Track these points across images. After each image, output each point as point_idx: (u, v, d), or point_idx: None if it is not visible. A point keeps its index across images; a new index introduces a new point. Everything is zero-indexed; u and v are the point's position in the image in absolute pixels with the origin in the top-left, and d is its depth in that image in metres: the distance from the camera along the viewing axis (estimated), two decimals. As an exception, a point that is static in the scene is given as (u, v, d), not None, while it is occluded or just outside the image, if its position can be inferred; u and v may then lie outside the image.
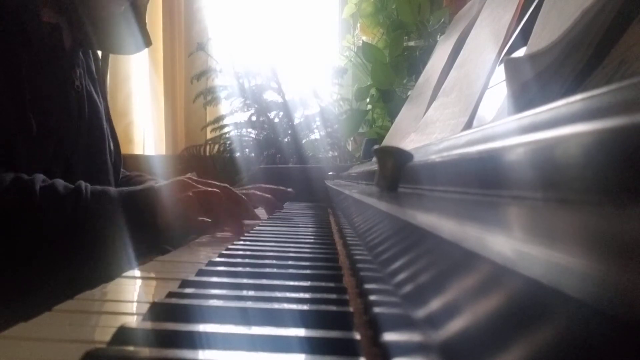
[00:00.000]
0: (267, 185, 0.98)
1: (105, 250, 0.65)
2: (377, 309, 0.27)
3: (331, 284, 0.37)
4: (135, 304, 0.37)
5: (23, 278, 0.62)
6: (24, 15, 0.71)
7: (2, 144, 0.67)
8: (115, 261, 0.65)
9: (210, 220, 0.70)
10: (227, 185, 0.77)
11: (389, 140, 0.88)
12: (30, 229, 0.62)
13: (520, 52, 0.42)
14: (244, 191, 0.88)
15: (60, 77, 0.77)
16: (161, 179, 0.96)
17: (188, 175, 0.82)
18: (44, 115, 0.72)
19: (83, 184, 0.67)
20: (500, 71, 0.44)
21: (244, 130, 1.98)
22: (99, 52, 0.92)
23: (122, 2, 0.80)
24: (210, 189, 0.72)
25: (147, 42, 0.88)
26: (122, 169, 0.97)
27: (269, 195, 0.96)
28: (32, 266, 0.63)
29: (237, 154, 1.94)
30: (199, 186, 0.72)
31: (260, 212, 0.94)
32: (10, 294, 0.60)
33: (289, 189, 1.05)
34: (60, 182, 0.66)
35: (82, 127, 0.80)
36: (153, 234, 0.68)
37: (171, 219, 0.68)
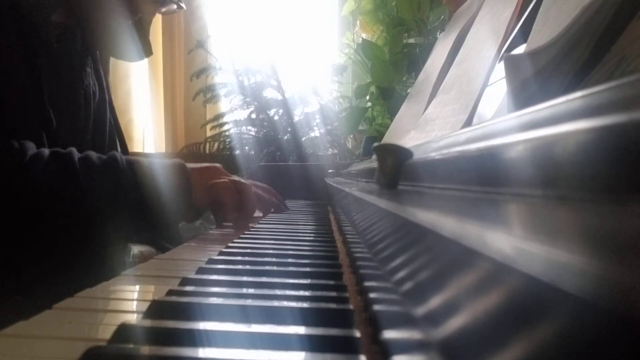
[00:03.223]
0: (269, 187, 0.98)
1: (143, 218, 0.67)
2: (377, 307, 0.27)
3: (331, 282, 0.37)
4: (135, 302, 0.37)
5: (28, 269, 0.63)
6: (37, 16, 0.74)
7: (29, 137, 0.69)
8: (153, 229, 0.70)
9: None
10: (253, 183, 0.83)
11: (388, 138, 0.88)
12: (75, 202, 0.63)
13: (520, 49, 0.42)
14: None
15: (72, 76, 0.81)
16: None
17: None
18: (59, 112, 0.75)
19: (118, 154, 0.69)
20: (500, 68, 0.43)
21: (244, 127, 1.98)
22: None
23: (130, 16, 0.84)
24: (239, 179, 0.77)
25: (149, 52, 0.91)
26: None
27: (274, 199, 0.96)
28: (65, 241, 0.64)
29: (237, 152, 1.94)
30: (230, 175, 0.77)
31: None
32: (11, 291, 0.60)
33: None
34: (93, 153, 0.68)
35: (88, 125, 0.84)
36: (183, 208, 0.70)
37: (202, 198, 0.71)
